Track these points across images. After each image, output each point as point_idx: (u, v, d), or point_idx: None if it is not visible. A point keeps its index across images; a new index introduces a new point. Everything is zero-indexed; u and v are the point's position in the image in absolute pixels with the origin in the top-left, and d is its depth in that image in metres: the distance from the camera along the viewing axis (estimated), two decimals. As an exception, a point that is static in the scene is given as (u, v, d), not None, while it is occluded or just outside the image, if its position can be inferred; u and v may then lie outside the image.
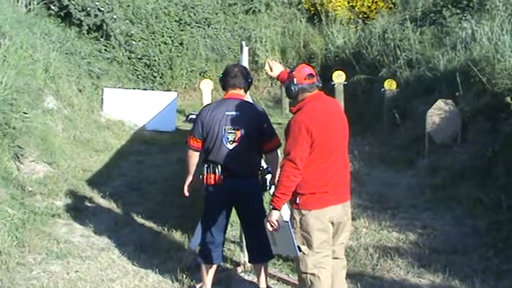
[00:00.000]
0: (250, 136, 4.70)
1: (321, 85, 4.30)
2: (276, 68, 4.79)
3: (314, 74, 4.26)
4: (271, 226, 4.13)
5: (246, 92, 4.95)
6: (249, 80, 4.90)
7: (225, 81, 4.87)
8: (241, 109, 4.73)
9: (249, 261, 5.17)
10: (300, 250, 4.14)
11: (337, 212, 4.21)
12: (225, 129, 4.68)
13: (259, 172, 4.83)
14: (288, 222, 4.16)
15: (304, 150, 4.03)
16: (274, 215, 4.11)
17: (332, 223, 4.21)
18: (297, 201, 4.15)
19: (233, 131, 4.68)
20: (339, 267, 4.40)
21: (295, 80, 4.19)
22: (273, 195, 4.20)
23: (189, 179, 4.96)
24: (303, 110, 4.16)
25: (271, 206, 4.14)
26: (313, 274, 4.16)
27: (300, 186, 4.09)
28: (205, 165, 4.76)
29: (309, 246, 4.15)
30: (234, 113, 4.70)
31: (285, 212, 4.57)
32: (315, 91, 4.24)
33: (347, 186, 4.35)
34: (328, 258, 4.23)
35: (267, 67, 4.86)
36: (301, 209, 4.15)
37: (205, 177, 4.75)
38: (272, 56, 15.14)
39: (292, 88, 4.20)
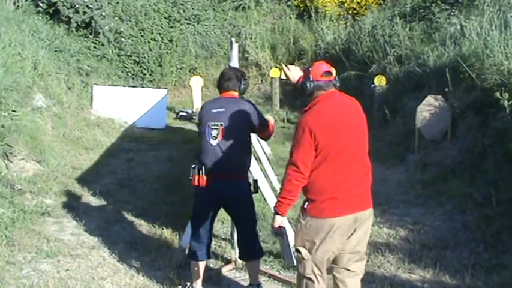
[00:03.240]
0: (236, 131, 4.63)
1: (338, 84, 4.04)
2: (295, 73, 4.28)
3: (331, 72, 4.02)
4: (275, 232, 4.02)
5: (240, 95, 4.91)
6: (244, 84, 4.86)
7: (219, 84, 4.89)
8: (227, 105, 4.71)
9: (240, 258, 5.16)
10: (299, 252, 3.97)
11: (345, 223, 3.89)
12: (208, 125, 4.65)
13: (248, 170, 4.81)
14: (283, 229, 4.00)
15: (307, 153, 3.81)
16: (277, 221, 3.97)
17: (339, 232, 3.91)
18: (305, 206, 3.94)
19: (217, 127, 4.62)
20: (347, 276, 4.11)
21: (310, 76, 3.97)
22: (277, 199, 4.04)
23: None
24: (311, 110, 3.94)
25: (273, 211, 4.00)
26: (310, 279, 4.02)
27: (307, 190, 3.90)
28: (192, 166, 4.69)
29: (310, 251, 3.95)
30: (219, 109, 4.68)
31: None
32: (331, 89, 3.99)
33: (363, 195, 3.97)
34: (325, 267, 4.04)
35: (283, 75, 4.46)
36: (307, 214, 3.92)
37: (192, 178, 4.69)
38: (262, 53, 15.14)
39: (308, 84, 3.97)
